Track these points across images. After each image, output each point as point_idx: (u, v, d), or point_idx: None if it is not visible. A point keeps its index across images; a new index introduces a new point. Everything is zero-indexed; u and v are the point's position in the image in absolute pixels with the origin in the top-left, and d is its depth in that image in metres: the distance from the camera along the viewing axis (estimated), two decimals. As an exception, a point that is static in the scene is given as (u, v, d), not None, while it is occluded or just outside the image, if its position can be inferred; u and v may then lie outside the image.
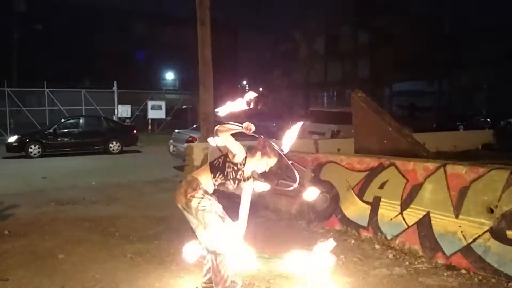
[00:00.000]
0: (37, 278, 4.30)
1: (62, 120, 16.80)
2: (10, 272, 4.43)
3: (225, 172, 3.65)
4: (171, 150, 12.44)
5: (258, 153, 3.70)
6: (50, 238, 5.58)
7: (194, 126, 13.99)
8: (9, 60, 27.17)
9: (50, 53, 31.37)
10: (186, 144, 10.45)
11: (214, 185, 3.68)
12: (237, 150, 3.61)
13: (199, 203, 3.56)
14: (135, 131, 17.80)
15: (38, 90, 24.28)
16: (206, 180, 3.66)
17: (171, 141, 12.68)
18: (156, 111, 26.27)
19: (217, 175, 3.66)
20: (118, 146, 16.42)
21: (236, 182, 3.71)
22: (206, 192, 3.62)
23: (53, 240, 5.49)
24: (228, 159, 3.67)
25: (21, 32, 27.66)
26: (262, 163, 3.72)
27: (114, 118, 22.95)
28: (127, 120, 24.15)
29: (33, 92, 25.67)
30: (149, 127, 26.40)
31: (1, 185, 9.57)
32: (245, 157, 3.67)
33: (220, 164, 3.68)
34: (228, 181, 3.67)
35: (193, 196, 3.57)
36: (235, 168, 3.66)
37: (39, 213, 6.93)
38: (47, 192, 8.79)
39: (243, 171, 3.70)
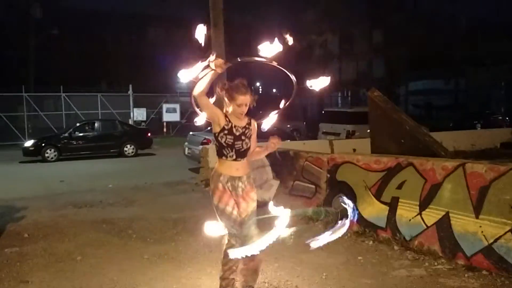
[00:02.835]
0: (56, 281, 4.35)
1: (77, 124, 16.97)
2: (31, 274, 4.49)
3: (223, 142, 3.44)
4: (186, 153, 12.48)
5: (226, 100, 3.45)
6: (68, 241, 5.65)
7: (209, 128, 13.96)
8: (26, 65, 27.55)
9: (66, 58, 31.74)
10: (201, 146, 10.47)
11: (235, 160, 3.45)
12: (208, 113, 3.38)
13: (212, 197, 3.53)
14: (149, 134, 17.89)
15: (55, 95, 24.64)
16: (222, 166, 3.50)
17: (186, 143, 12.71)
18: (171, 114, 26.43)
19: (223, 151, 3.46)
20: (133, 149, 16.52)
21: (244, 138, 3.46)
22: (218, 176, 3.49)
23: (72, 243, 5.56)
24: (214, 132, 3.48)
25: (37, 37, 28.02)
26: (236, 106, 3.41)
27: (130, 121, 23.15)
28: (143, 124, 24.31)
29: (50, 97, 26.06)
30: (164, 130, 26.57)
31: (20, 188, 9.71)
32: (225, 114, 3.45)
33: (216, 141, 3.49)
34: (236, 145, 3.43)
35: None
36: (225, 129, 3.43)
37: (58, 216, 7.01)
38: (64, 195, 8.89)
39: (234, 125, 3.45)
